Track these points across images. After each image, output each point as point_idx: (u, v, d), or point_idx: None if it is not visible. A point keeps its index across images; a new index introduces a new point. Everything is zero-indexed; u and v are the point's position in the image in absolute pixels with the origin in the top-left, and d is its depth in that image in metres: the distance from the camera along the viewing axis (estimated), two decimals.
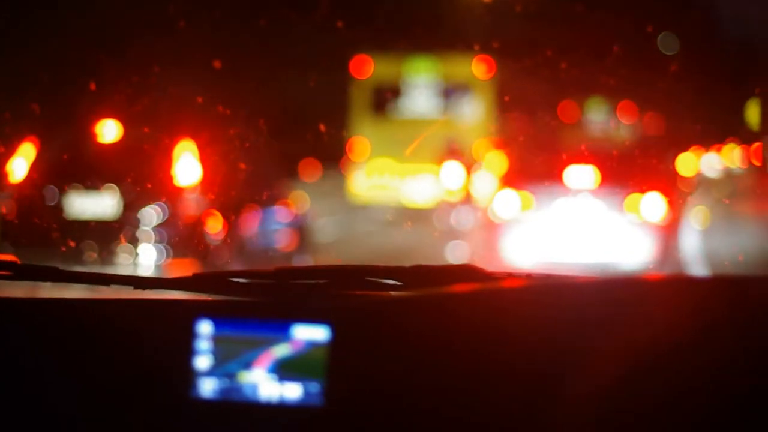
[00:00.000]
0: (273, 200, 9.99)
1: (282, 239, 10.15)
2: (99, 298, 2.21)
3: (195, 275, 2.28)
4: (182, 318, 2.06)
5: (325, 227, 13.72)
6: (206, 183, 8.33)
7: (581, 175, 10.50)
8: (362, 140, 16.81)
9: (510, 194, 10.57)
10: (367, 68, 16.81)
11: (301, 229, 10.54)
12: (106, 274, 2.33)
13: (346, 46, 15.42)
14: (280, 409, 2.01)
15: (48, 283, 2.30)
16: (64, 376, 2.06)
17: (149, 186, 8.05)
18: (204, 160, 8.24)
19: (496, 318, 1.95)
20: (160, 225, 8.06)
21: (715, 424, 1.83)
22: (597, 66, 11.91)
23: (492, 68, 16.20)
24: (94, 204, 8.10)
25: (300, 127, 13.89)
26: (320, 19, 12.03)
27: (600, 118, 15.80)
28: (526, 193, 10.47)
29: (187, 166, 8.25)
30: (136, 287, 2.24)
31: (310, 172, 15.57)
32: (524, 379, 1.88)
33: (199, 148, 8.21)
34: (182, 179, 8.26)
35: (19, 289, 2.33)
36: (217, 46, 9.28)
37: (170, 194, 8.15)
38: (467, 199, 13.23)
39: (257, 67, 11.58)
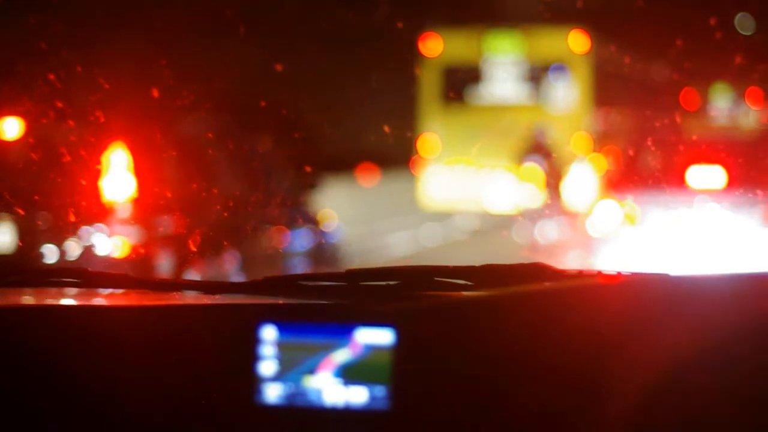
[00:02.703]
0: (293, 220, 8.87)
1: (304, 266, 9.09)
2: (162, 305, 2.32)
3: (265, 279, 2.39)
4: (246, 323, 2.14)
5: (379, 242, 13.17)
6: (155, 201, 6.44)
7: (706, 177, 9.69)
8: (430, 134, 16.13)
9: (613, 202, 9.92)
10: (437, 46, 16.04)
11: (327, 251, 9.61)
12: (175, 280, 2.63)
13: (412, 22, 13.94)
14: (346, 413, 2.09)
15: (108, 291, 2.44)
16: (128, 381, 2.13)
17: (66, 207, 6.17)
18: (153, 171, 6.33)
19: (567, 317, 2.04)
20: (82, 260, 6.42)
21: None
22: (719, 41, 10.58)
23: (589, 45, 15.47)
24: None
25: (348, 123, 12.45)
26: None
27: (725, 106, 15.39)
28: (633, 202, 9.70)
29: (121, 178, 6.47)
30: (205, 292, 2.38)
31: (366, 176, 15.29)
32: (595, 378, 1.96)
33: (154, 155, 6.27)
34: (114, 196, 6.53)
35: (81, 297, 2.44)
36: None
37: (98, 218, 6.63)
38: (558, 206, 12.60)
39: (273, 37, 9.59)
